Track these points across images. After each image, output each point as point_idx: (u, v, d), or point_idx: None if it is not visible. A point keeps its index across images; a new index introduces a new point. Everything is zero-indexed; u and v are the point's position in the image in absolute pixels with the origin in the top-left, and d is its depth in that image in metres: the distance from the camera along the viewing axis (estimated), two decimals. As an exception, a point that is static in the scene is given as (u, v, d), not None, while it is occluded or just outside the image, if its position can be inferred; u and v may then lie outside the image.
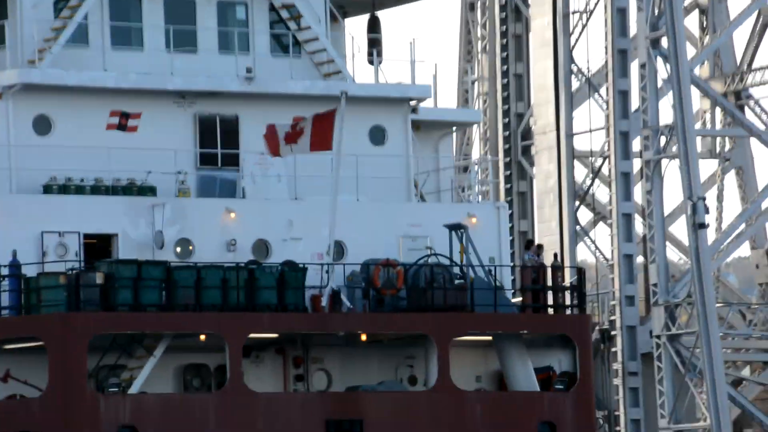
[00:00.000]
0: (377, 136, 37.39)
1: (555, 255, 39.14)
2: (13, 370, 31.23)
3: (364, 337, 33.24)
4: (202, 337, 31.54)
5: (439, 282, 34.84)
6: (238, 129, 35.77)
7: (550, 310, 35.52)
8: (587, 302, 41.39)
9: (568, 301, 36.37)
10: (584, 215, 59.95)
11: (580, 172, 59.55)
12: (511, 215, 58.73)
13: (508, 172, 61.11)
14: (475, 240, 35.37)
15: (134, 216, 33.53)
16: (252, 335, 31.94)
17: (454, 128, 40.37)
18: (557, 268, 36.25)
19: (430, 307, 34.07)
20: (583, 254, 60.98)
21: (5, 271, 31.29)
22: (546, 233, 58.38)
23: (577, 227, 58.41)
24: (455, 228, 34.87)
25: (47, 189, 33.68)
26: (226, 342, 31.23)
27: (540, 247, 38.27)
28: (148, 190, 33.94)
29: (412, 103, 37.67)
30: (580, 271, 37.50)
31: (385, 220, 36.39)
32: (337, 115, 33.06)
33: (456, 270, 35.04)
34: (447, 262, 35.11)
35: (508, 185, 60.59)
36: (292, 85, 36.62)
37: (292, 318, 32.54)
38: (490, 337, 34.84)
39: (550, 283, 36.02)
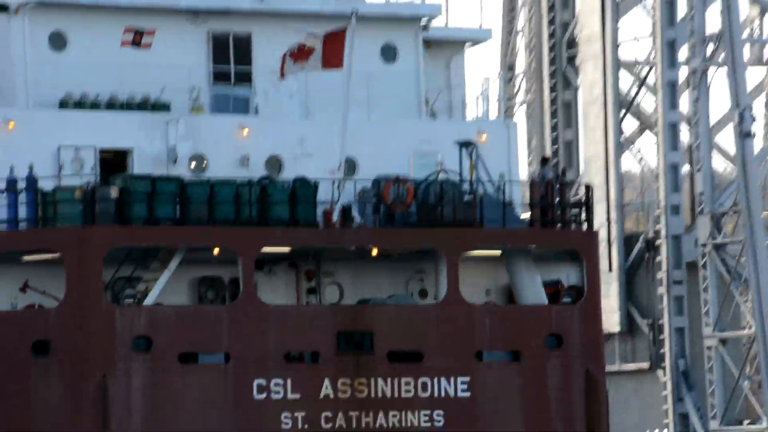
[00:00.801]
0: (388, 54, 37.54)
1: (563, 170, 39.33)
2: (31, 280, 31.76)
3: (374, 252, 33.75)
4: (216, 250, 31.88)
5: (448, 198, 35.02)
6: (251, 46, 36.03)
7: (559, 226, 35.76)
8: (632, 212, 42.42)
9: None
10: (630, 125, 59.79)
11: (626, 81, 59.30)
12: (555, 125, 59.85)
13: (553, 82, 60.83)
14: (485, 157, 35.75)
15: (149, 132, 33.90)
16: (264, 249, 32.30)
17: (467, 45, 40.60)
18: (565, 184, 36.30)
19: (439, 223, 34.45)
20: (629, 164, 60.62)
21: (22, 185, 31.57)
22: (591, 143, 57.55)
23: (623, 137, 58.09)
24: (465, 145, 35.20)
25: (63, 104, 34.01)
26: (239, 256, 31.70)
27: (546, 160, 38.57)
28: (162, 107, 34.13)
29: (423, 21, 37.70)
30: (587, 188, 37.51)
31: (395, 137, 36.66)
32: (348, 33, 33.25)
33: (466, 186, 35.36)
34: (457, 178, 35.32)
35: (554, 94, 60.13)
36: (304, 3, 36.81)
37: (304, 232, 32.94)
38: (499, 252, 35.44)
39: (558, 198, 35.88)
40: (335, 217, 33.25)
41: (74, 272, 31.66)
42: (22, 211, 31.93)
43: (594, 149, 57.40)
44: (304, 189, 33.27)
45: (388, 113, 37.00)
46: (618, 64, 56.13)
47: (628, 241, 56.96)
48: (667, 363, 53.48)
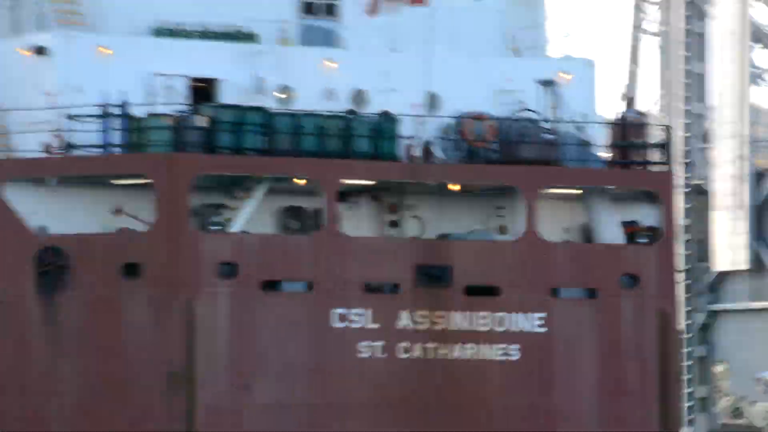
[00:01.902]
0: None
1: (639, 112, 39.56)
2: (123, 205, 32.67)
3: (455, 188, 34.22)
4: (300, 182, 32.60)
5: (529, 136, 35.45)
6: None
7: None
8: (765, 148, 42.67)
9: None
10: (764, 58, 59.72)
11: (761, 13, 59.18)
12: (688, 57, 60.44)
13: (688, 13, 60.74)
14: (566, 96, 36.15)
15: (238, 62, 34.38)
16: (347, 182, 32.98)
17: None
18: (645, 125, 36.55)
19: (519, 160, 34.90)
20: (762, 99, 59.27)
21: (115, 111, 32.46)
22: (723, 76, 57.45)
23: (756, 71, 57.76)
24: (547, 84, 35.60)
25: (157, 32, 34.51)
26: (322, 187, 32.41)
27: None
28: (251, 38, 34.66)
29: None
30: (668, 129, 37.56)
31: (479, 74, 36.80)
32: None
33: (546, 125, 35.81)
34: (538, 117, 35.75)
35: (689, 27, 59.70)
36: None
37: (385, 166, 33.57)
38: (578, 191, 35.92)
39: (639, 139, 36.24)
40: (417, 152, 33.68)
41: (163, 198, 32.31)
42: (115, 137, 32.57)
43: (726, 83, 56.97)
44: (387, 123, 33.74)
45: (473, 50, 37.14)
46: (754, -5, 56.57)
47: (759, 178, 56.53)
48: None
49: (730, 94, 55.81)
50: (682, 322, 50.06)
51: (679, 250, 47.85)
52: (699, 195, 52.84)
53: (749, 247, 53.11)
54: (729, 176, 51.25)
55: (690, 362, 51.39)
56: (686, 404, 53.63)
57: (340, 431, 34.80)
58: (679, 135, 49.98)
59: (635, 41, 60.92)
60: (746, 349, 49.94)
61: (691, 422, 51.16)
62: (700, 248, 53.37)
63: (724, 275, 53.61)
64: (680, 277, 46.48)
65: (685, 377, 51.00)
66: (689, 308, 52.64)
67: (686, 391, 53.16)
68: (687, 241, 51.43)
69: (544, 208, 35.73)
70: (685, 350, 50.35)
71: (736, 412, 49.33)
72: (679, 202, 49.66)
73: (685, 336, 50.55)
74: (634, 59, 60.46)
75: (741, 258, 53.19)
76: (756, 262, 53.68)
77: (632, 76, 59.98)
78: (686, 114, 54.99)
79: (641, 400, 36.05)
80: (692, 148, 54.06)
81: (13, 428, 35.02)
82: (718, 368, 50.73)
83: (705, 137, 54.45)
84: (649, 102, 58.05)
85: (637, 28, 62.34)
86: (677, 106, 52.75)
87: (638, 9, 62.66)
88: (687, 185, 51.73)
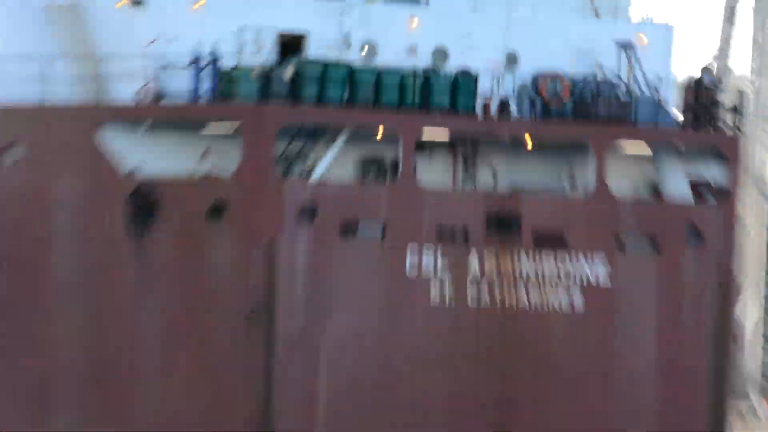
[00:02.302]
0: None
1: (714, 77, 40.32)
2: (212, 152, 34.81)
3: (528, 144, 35.47)
4: (380, 133, 34.20)
5: (604, 96, 36.72)
6: None
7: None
8: None
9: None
10: None
11: None
12: None
13: None
14: (643, 59, 37.41)
15: (325, 18, 36.08)
16: (424, 132, 34.55)
17: None
18: (717, 90, 37.36)
19: (592, 118, 36.38)
20: None
21: (206, 61, 34.35)
22: None
23: None
24: (624, 46, 36.73)
25: None
26: (400, 137, 33.94)
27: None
28: None
29: None
30: (741, 94, 38.14)
31: (558, 35, 38.10)
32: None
33: (622, 87, 37.12)
34: (614, 78, 37.10)
35: None
36: None
37: (462, 119, 34.97)
38: (648, 150, 37.08)
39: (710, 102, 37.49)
40: (493, 108, 35.04)
41: (249, 145, 34.20)
42: (205, 87, 34.41)
43: None
44: (465, 80, 35.21)
45: (553, 11, 38.36)
46: None
47: None
48: None
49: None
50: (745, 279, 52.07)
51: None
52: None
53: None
54: None
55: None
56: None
57: (406, 366, 36.25)
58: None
59: (731, 2, 61.61)
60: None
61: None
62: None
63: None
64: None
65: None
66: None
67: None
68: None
69: (614, 165, 36.46)
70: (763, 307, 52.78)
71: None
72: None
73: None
74: (729, 20, 61.09)
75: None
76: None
77: (726, 38, 60.71)
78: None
79: (696, 353, 37.17)
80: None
81: (105, 356, 37.19)
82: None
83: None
84: (742, 63, 58.99)
85: None
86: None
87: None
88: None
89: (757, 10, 63.16)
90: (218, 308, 36.20)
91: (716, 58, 60.38)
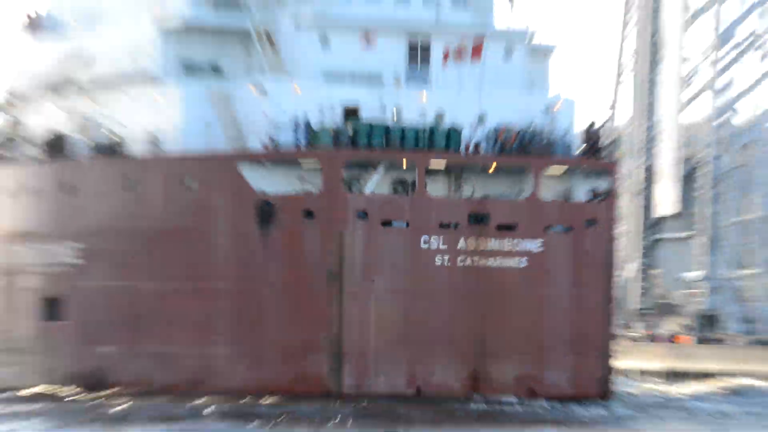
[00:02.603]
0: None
1: (597, 129, 55.21)
2: (306, 177, 49.65)
3: (492, 168, 51.50)
4: (404, 164, 49.15)
5: (536, 140, 52.01)
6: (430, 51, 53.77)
7: None
8: None
9: None
10: None
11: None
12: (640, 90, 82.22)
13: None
14: (558, 117, 53.93)
15: (371, 95, 51.48)
16: (431, 164, 49.37)
17: None
18: (599, 137, 54.23)
19: (530, 153, 51.92)
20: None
21: (301, 124, 50.17)
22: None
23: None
24: (547, 109, 53.43)
25: (326, 77, 52.13)
26: (417, 167, 49.28)
27: None
28: (380, 79, 53.05)
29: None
30: (613, 139, 55.66)
31: (509, 103, 53.12)
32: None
33: (546, 133, 52.95)
34: (541, 128, 52.78)
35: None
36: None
37: (453, 156, 49.60)
38: (563, 172, 52.91)
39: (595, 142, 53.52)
40: (471, 147, 50.55)
41: (327, 173, 49.27)
42: (301, 139, 50.18)
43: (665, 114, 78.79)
44: (454, 132, 50.40)
45: (507, 87, 53.77)
46: None
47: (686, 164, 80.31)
48: None
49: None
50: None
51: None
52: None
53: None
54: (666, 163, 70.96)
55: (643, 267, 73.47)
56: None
57: (423, 304, 49.94)
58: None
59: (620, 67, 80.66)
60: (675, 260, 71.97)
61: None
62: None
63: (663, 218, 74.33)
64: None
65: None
66: (644, 236, 73.86)
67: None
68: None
69: (544, 181, 51.04)
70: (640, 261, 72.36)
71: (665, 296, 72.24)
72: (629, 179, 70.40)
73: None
74: (618, 79, 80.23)
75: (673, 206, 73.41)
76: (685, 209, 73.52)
77: (616, 93, 79.90)
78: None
79: (594, 291, 52.07)
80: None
81: (244, 303, 50.68)
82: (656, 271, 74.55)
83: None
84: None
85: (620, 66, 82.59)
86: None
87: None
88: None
89: (636, 72, 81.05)
90: (312, 273, 49.90)
91: (610, 107, 78.70)
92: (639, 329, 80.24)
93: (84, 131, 55.10)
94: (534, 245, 51.45)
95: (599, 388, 52.66)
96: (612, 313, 53.95)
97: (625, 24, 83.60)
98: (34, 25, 60.14)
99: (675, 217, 79.80)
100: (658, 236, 79.76)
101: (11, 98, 60.14)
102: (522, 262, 51.35)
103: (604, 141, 54.18)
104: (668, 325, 76.91)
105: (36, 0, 62.18)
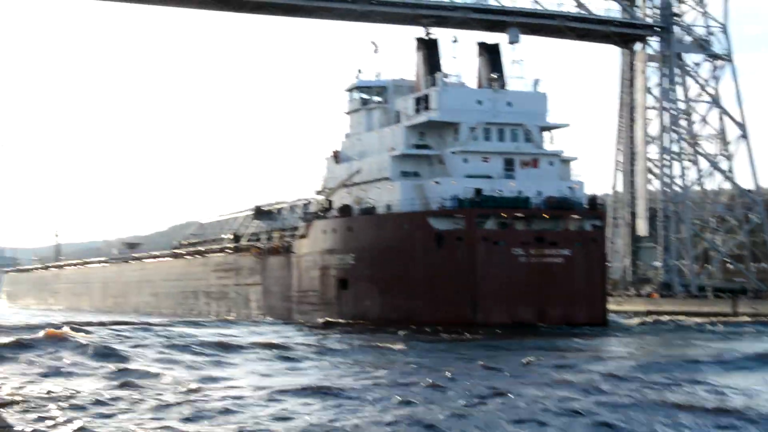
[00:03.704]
0: None
1: (595, 196, 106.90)
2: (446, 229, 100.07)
3: (545, 215, 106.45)
4: (503, 214, 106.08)
5: (564, 201, 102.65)
6: None
7: None
8: None
9: None
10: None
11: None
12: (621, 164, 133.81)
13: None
14: (577, 191, 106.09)
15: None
16: (516, 214, 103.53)
17: None
18: (596, 198, 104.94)
19: (563, 209, 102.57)
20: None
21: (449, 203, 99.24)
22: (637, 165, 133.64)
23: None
24: (571, 187, 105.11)
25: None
26: (509, 216, 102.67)
27: None
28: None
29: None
30: (603, 202, 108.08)
31: (552, 185, 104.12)
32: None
33: (569, 197, 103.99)
34: (565, 194, 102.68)
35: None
36: None
37: (526, 210, 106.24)
38: (580, 218, 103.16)
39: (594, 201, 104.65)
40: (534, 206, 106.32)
41: (467, 219, 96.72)
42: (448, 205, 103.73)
43: (637, 169, 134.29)
44: (527, 200, 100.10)
45: (546, 178, 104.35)
46: None
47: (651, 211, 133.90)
48: None
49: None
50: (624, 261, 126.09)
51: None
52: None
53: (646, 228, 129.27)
54: (641, 209, 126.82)
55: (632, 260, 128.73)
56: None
57: (515, 280, 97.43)
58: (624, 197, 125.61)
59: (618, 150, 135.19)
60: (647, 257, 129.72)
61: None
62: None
63: (641, 237, 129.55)
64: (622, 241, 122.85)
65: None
66: (632, 245, 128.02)
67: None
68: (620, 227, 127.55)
69: (570, 221, 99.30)
70: (630, 257, 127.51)
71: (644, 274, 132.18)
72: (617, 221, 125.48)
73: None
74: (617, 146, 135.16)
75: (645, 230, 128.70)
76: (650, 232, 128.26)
77: (614, 183, 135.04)
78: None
79: (595, 280, 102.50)
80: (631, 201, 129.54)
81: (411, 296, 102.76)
82: (639, 262, 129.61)
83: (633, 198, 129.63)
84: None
85: (620, 140, 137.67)
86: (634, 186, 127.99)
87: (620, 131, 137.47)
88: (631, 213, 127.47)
89: (623, 165, 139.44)
90: (461, 266, 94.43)
91: (612, 187, 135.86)
92: (631, 291, 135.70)
93: (357, 203, 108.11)
94: (567, 252, 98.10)
95: (601, 319, 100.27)
96: (605, 283, 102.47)
97: (619, 132, 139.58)
98: (336, 156, 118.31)
99: (647, 236, 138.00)
100: (638, 245, 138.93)
101: (326, 189, 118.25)
102: (561, 260, 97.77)
103: (599, 202, 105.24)
104: (645, 289, 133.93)
105: (337, 143, 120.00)
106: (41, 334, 70.98)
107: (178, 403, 41.91)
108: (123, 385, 46.90)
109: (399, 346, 68.67)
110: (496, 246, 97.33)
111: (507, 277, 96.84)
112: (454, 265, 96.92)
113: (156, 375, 51.24)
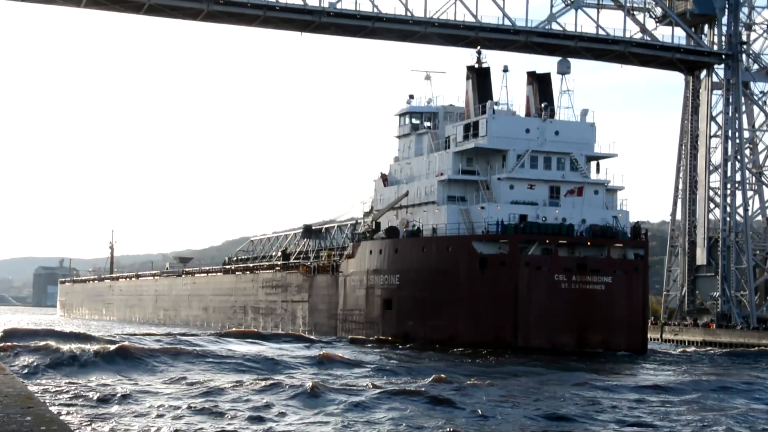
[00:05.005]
0: None
1: (638, 223, 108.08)
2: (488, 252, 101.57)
3: (588, 242, 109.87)
4: (547, 241, 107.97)
5: (609, 229, 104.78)
6: None
7: None
8: None
9: None
10: None
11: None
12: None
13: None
14: (619, 223, 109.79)
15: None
16: (560, 241, 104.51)
17: None
18: (640, 226, 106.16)
19: (607, 237, 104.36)
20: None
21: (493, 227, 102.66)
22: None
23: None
24: (615, 217, 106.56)
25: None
26: (552, 243, 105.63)
27: None
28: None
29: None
30: (646, 231, 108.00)
31: (596, 213, 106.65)
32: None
33: (614, 225, 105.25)
34: (610, 223, 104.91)
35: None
36: None
37: (571, 237, 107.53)
38: (623, 246, 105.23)
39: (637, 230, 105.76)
40: (578, 234, 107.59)
41: (511, 245, 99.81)
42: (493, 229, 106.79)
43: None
44: (571, 227, 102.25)
45: (593, 206, 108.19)
46: None
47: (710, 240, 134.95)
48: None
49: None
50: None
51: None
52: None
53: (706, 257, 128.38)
54: (699, 238, 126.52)
55: (689, 289, 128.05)
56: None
57: (557, 306, 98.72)
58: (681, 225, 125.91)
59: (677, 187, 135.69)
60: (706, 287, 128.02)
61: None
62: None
63: (700, 266, 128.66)
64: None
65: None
66: (689, 274, 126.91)
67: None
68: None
69: (612, 249, 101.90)
70: (687, 287, 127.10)
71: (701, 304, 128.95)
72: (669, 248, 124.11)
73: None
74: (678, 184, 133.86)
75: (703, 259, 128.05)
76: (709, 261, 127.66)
77: (673, 210, 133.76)
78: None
79: (637, 308, 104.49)
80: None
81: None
82: (696, 292, 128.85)
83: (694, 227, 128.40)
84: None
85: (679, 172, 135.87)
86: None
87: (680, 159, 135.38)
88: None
89: (684, 194, 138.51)
90: (499, 296, 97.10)
91: (670, 214, 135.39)
92: (688, 321, 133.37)
93: (404, 225, 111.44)
94: (608, 279, 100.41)
95: (640, 347, 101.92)
96: (647, 311, 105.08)
97: (679, 160, 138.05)
98: (384, 178, 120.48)
99: (705, 265, 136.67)
100: (697, 274, 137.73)
101: (374, 211, 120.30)
102: (602, 287, 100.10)
103: (642, 230, 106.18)
104: (703, 319, 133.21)
105: (386, 166, 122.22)
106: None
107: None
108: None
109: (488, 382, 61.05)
110: (539, 271, 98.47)
111: (548, 303, 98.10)
112: (497, 288, 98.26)
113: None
